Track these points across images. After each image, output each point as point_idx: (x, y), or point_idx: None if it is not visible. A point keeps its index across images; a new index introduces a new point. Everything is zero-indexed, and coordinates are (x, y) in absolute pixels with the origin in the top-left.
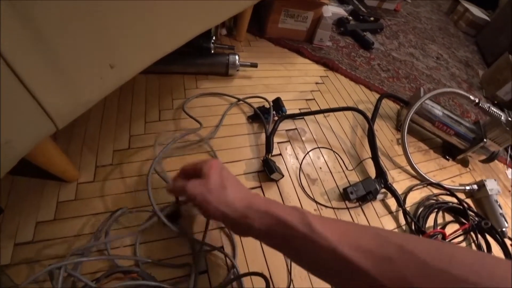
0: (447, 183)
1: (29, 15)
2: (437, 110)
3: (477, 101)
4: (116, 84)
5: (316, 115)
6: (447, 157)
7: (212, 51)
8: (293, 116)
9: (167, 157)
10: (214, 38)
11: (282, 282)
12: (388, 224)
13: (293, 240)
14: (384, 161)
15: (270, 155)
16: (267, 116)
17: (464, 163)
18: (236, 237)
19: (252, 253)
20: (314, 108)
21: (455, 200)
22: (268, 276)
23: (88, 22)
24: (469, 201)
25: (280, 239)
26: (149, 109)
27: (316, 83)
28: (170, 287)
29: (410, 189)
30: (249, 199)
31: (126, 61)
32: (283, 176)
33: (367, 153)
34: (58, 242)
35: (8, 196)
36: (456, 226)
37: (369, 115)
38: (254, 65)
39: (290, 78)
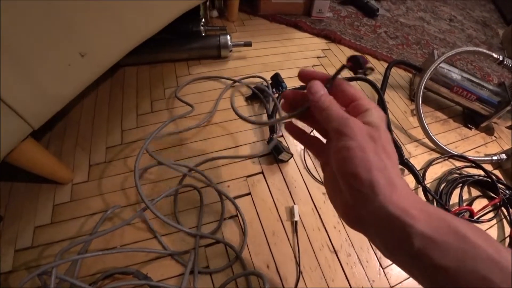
0: (471, 154)
1: None
2: (455, 74)
3: (501, 58)
4: (93, 74)
5: None
6: (469, 125)
7: (203, 34)
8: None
9: (161, 148)
10: (203, 20)
11: (290, 275)
12: None
13: (474, 261)
14: (398, 135)
15: (274, 135)
16: (266, 95)
17: (489, 131)
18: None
19: (256, 246)
20: None
21: (481, 172)
22: (274, 268)
23: (45, 9)
24: (497, 172)
25: (452, 252)
26: (140, 101)
27: (318, 57)
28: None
29: (429, 164)
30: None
31: (98, 49)
32: (292, 155)
33: None
34: (57, 246)
35: (6, 203)
36: (484, 202)
37: (378, 85)
38: (248, 44)
39: (289, 55)
